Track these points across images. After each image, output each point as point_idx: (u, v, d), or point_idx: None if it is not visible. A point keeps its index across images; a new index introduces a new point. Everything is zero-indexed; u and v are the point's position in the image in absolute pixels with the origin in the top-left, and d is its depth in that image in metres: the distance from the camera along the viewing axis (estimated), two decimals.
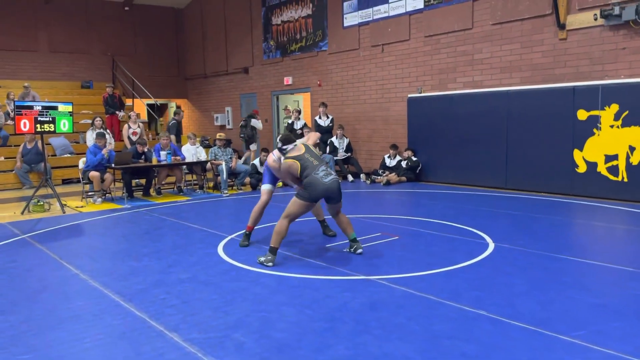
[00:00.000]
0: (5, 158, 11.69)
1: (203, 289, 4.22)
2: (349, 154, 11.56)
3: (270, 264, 4.75)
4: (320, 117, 11.88)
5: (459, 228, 6.21)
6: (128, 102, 15.83)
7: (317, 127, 11.83)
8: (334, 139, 11.55)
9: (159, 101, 17.47)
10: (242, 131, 12.27)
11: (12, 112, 12.21)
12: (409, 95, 10.99)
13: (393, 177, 10.52)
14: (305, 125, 11.90)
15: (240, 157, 11.38)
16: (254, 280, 4.41)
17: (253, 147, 12.30)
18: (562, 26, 8.64)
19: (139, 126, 11.68)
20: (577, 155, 8.44)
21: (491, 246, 5.31)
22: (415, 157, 10.72)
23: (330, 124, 11.82)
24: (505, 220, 6.65)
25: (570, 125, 8.46)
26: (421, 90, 10.87)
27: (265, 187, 5.63)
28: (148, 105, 16.43)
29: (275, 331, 3.30)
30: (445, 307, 3.65)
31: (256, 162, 10.52)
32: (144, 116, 16.71)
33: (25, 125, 8.02)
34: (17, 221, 7.41)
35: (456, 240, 5.60)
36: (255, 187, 10.27)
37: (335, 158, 11.28)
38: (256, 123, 12.18)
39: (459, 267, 4.60)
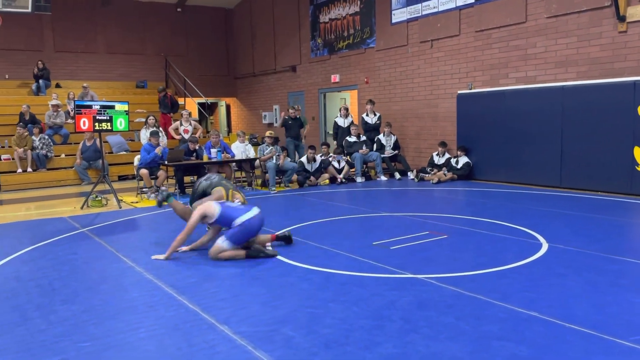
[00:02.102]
0: (65, 155, 12.30)
1: (252, 283, 4.31)
2: (397, 152, 11.47)
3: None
4: (367, 115, 11.84)
5: (510, 228, 6.06)
6: (180, 100, 16.30)
7: (365, 125, 11.80)
8: (381, 136, 11.49)
9: (210, 100, 17.89)
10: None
11: (72, 111, 12.84)
12: (459, 92, 10.79)
13: (443, 175, 10.36)
14: (352, 123, 11.91)
15: (288, 155, 11.44)
16: (301, 276, 4.46)
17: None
18: (622, 18, 8.25)
19: (190, 124, 11.99)
20: (638, 152, 8.04)
21: (544, 246, 5.15)
22: (466, 155, 10.52)
23: (378, 121, 11.76)
24: (560, 220, 6.43)
25: (630, 121, 8.07)
26: (471, 86, 10.64)
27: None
28: (199, 104, 16.85)
29: (322, 327, 3.34)
30: (495, 308, 3.58)
31: (303, 159, 10.61)
32: (195, 115, 17.14)
33: (84, 123, 8.40)
34: (77, 215, 7.78)
35: (507, 240, 5.47)
36: (302, 184, 10.35)
37: (382, 156, 11.22)
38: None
39: (510, 268, 4.50)
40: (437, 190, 9.37)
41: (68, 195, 10.03)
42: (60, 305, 3.88)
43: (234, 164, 10.49)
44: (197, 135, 11.26)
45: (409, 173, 11.07)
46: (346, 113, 12.04)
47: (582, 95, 8.66)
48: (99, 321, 3.58)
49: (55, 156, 12.07)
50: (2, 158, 11.58)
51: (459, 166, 10.52)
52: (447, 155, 10.75)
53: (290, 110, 12.07)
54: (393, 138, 11.51)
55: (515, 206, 7.49)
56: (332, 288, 4.11)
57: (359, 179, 10.94)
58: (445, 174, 10.41)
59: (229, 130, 19.90)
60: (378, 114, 11.85)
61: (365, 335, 3.20)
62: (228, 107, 20.23)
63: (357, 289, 4.06)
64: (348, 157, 11.18)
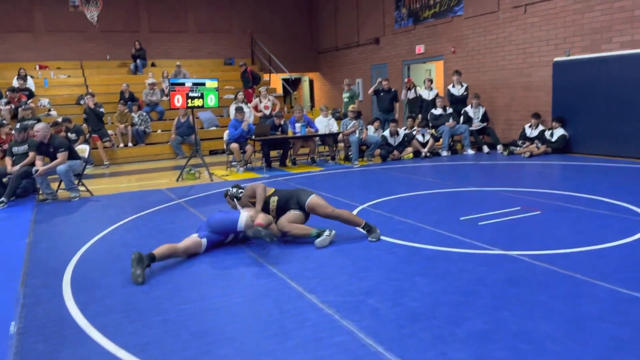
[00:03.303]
0: (161, 131, 13.04)
1: (338, 255, 4.37)
2: (485, 124, 11.01)
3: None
4: (453, 86, 11.44)
5: (611, 204, 5.65)
6: (265, 77, 16.65)
7: (451, 97, 11.43)
8: (468, 108, 11.07)
9: (293, 75, 18.09)
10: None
11: (166, 88, 13.53)
12: (555, 59, 10.09)
13: (535, 148, 9.83)
14: (438, 95, 11.57)
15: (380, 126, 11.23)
16: (386, 249, 4.46)
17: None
18: None
19: (269, 100, 12.22)
20: None
21: None
22: (562, 127, 9.89)
23: (465, 93, 11.34)
24: None
25: None
26: (569, 53, 9.90)
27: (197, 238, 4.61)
28: (283, 79, 17.11)
29: (409, 300, 3.33)
30: (594, 288, 3.38)
31: (386, 133, 10.49)
32: (279, 90, 17.44)
33: (178, 100, 8.83)
34: (172, 187, 8.27)
35: (609, 217, 5.11)
36: (385, 158, 10.27)
37: (470, 128, 10.83)
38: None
39: (610, 246, 4.21)
40: (529, 164, 8.94)
41: (164, 169, 10.66)
42: (160, 270, 4.17)
43: (317, 138, 10.60)
44: (279, 111, 11.47)
45: (498, 146, 10.63)
46: (431, 85, 11.71)
47: None
48: (195, 286, 3.82)
49: (153, 132, 12.83)
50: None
51: (553, 139, 9.93)
52: (540, 128, 10.17)
53: (383, 82, 11.89)
54: (481, 110, 11.05)
55: (617, 181, 6.96)
56: (418, 262, 4.08)
57: (445, 153, 10.67)
58: (538, 147, 9.87)
59: (313, 105, 20.09)
60: (465, 85, 11.42)
61: (453, 310, 3.15)
62: (311, 82, 20.38)
63: (444, 263, 4.00)
64: (433, 130, 10.92)
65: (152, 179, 9.40)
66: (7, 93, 11.73)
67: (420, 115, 11.63)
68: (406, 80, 12.61)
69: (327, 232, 4.63)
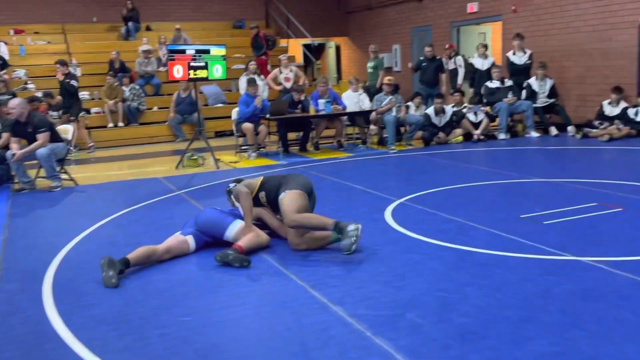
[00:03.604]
0: (158, 108, 13.19)
1: (369, 259, 4.37)
2: (553, 100, 10.85)
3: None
4: (514, 53, 11.29)
5: None
6: (282, 42, 16.65)
7: (510, 66, 11.28)
8: (532, 80, 10.92)
9: (316, 40, 18.05)
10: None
11: (164, 57, 13.65)
12: None
13: (616, 130, 9.65)
14: (494, 64, 11.42)
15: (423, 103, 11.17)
16: (429, 253, 4.44)
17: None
18: None
19: (291, 70, 12.21)
20: None
21: None
22: None
23: (528, 61, 11.18)
24: None
25: None
26: None
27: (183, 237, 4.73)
28: (304, 46, 17.09)
29: (457, 315, 3.32)
30: None
31: (430, 111, 10.40)
32: (299, 59, 17.44)
33: (178, 71, 8.90)
34: (171, 176, 8.36)
35: None
36: (428, 142, 10.20)
37: (534, 105, 10.67)
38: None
39: None
40: (608, 150, 8.83)
41: (162, 154, 10.79)
42: (157, 275, 4.23)
43: (345, 117, 10.58)
44: (301, 84, 11.47)
45: (569, 128, 10.51)
46: (485, 52, 11.55)
47: None
48: (200, 294, 3.86)
49: (147, 109, 12.98)
50: (92, 111, 12.68)
51: (638, 118, 9.76)
52: (622, 105, 9.99)
53: (427, 49, 11.79)
54: (549, 83, 10.88)
55: None
56: (469, 269, 4.06)
57: (502, 136, 10.57)
58: (619, 129, 9.70)
59: (339, 77, 20.05)
60: (529, 52, 11.25)
61: (512, 328, 3.13)
62: (338, 49, 20.31)
63: (500, 271, 3.98)
64: (488, 107, 10.80)
65: (148, 165, 9.53)
66: None
67: (471, 90, 11.53)
68: (447, 46, 12.50)
69: (351, 227, 4.36)
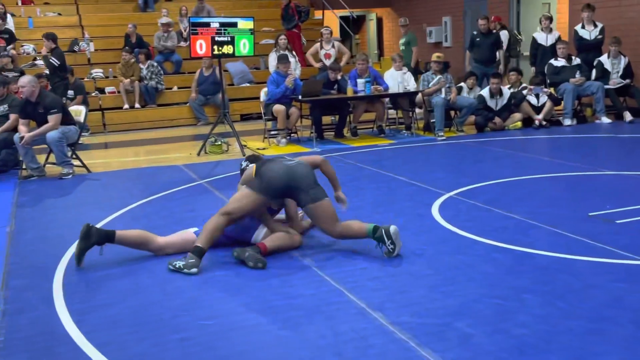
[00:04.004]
0: (178, 88, 13.33)
1: (414, 260, 4.37)
2: (627, 81, 10.64)
3: (193, 269, 4.25)
4: (583, 27, 11.09)
5: None
6: (316, 14, 16.62)
7: (579, 41, 11.08)
8: (604, 58, 10.72)
9: (355, 12, 17.98)
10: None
11: (185, 31, 13.78)
12: None
13: None
14: (559, 38, 11.23)
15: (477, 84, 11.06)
16: (483, 254, 4.43)
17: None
18: None
19: (333, 46, 12.16)
20: None
21: None
22: None
23: (599, 36, 10.98)
24: None
25: None
26: None
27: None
28: (341, 18, 17.05)
29: (514, 325, 3.30)
30: None
31: (484, 92, 10.29)
32: (336, 33, 17.41)
33: (201, 47, 8.97)
34: (193, 163, 8.47)
35: None
36: (482, 127, 10.10)
37: (605, 87, 10.48)
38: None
39: None
40: None
41: (182, 138, 10.92)
42: (176, 273, 4.27)
43: (387, 99, 10.54)
44: (341, 62, 11.44)
45: None
46: (550, 25, 11.37)
47: None
48: (222, 296, 3.92)
49: (167, 89, 13.15)
50: (106, 91, 12.89)
51: None
52: None
53: (481, 22, 11.64)
54: (623, 61, 10.68)
55: None
56: (528, 273, 4.04)
57: (568, 121, 10.46)
58: None
59: (381, 54, 19.96)
60: (600, 26, 11.03)
61: (577, 341, 3.11)
62: (379, 22, 20.21)
63: (564, 276, 3.95)
64: (552, 89, 10.67)
65: (166, 151, 9.66)
66: None
67: (533, 69, 11.36)
68: (492, 18, 12.31)
69: (392, 230, 4.36)
